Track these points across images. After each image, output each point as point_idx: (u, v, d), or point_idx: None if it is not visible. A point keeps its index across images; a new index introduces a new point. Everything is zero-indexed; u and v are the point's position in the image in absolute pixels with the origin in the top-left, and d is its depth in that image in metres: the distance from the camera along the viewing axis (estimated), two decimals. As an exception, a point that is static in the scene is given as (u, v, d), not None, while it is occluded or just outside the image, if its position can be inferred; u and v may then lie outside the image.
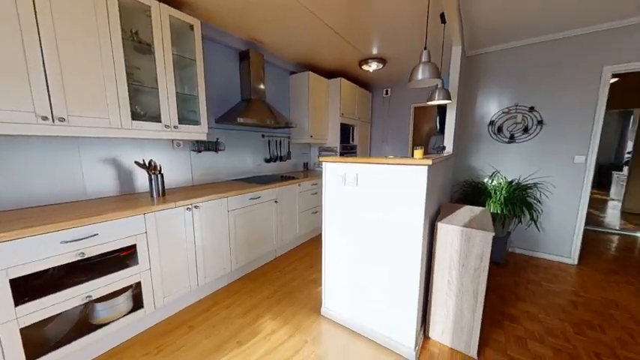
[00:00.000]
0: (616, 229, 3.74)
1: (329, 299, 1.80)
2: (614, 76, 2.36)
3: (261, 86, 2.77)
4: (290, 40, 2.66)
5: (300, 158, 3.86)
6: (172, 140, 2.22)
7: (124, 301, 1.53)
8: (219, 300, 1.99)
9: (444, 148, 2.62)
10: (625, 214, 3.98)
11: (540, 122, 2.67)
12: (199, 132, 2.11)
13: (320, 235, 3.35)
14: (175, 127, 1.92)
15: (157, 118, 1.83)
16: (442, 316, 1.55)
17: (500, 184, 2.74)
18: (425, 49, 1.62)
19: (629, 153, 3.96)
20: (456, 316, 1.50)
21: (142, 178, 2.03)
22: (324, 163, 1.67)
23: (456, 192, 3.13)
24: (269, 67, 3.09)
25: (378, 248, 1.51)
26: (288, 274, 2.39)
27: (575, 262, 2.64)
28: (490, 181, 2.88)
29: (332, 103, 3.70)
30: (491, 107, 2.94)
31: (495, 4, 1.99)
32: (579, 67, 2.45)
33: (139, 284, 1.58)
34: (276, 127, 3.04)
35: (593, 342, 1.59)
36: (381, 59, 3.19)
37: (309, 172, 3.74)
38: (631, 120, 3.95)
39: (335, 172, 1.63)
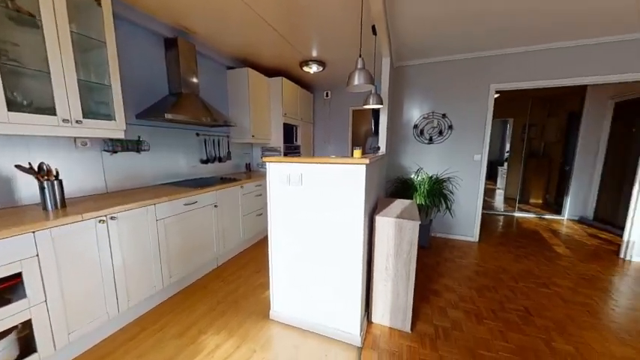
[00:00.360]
0: (501, 211, 4.85)
1: (277, 302, 1.77)
2: (497, 92, 3.04)
3: (194, 80, 2.50)
4: (225, 32, 2.48)
5: (241, 159, 3.66)
6: (74, 138, 1.80)
7: (3, 349, 1.17)
8: (149, 324, 1.72)
9: (378, 148, 2.89)
10: (506, 199, 5.22)
11: (450, 127, 3.22)
12: (113, 128, 1.77)
13: (266, 237, 3.25)
14: (78, 121, 1.56)
15: (50, 110, 1.45)
16: (382, 301, 1.71)
17: (424, 179, 3.20)
18: (360, 56, 1.75)
19: (507, 152, 5.23)
20: (393, 299, 1.68)
21: (30, 187, 1.58)
22: (268, 163, 1.63)
23: (390, 187, 3.50)
24: (203, 59, 2.82)
25: (323, 245, 1.56)
26: (232, 283, 2.24)
27: (477, 240, 3.29)
28: (416, 177, 3.33)
29: (274, 103, 3.63)
30: (415, 113, 3.39)
31: (410, 27, 2.30)
32: (474, 83, 3.06)
33: (28, 323, 1.23)
34: (213, 126, 2.80)
35: (490, 301, 2.01)
36: (320, 62, 3.30)
37: (253, 172, 3.59)
38: (507, 127, 5.19)
39: (280, 172, 1.61)
